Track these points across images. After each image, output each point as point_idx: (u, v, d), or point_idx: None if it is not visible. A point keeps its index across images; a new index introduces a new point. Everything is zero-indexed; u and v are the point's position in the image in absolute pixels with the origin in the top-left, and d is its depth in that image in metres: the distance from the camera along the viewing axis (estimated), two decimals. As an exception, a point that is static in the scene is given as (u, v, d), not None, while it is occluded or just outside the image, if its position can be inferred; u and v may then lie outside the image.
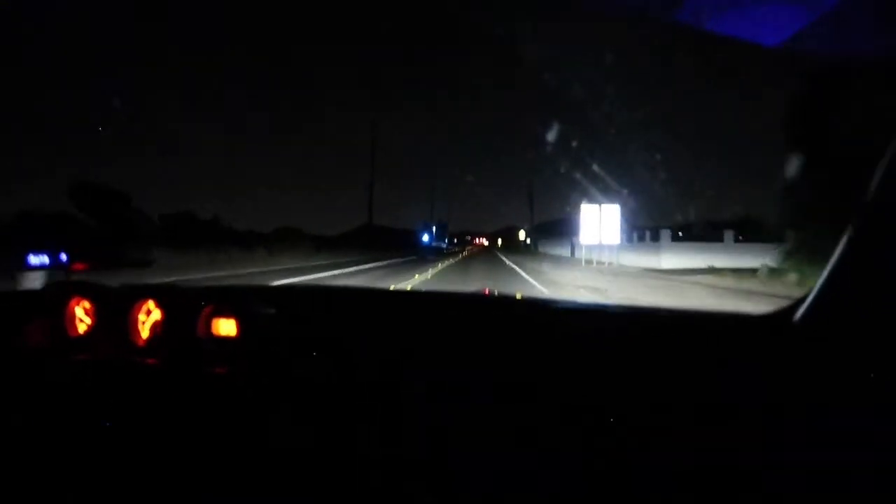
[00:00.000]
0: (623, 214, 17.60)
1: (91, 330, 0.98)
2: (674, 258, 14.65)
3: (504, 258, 22.58)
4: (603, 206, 17.72)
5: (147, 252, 1.37)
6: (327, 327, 0.97)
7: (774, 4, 0.56)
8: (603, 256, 17.51)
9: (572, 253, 25.49)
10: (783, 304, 0.73)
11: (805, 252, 9.78)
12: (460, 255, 26.09)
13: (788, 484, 0.55)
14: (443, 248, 46.23)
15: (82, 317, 1.00)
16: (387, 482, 0.64)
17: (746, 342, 0.75)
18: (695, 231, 18.74)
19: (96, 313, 0.99)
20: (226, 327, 0.91)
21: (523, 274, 12.69)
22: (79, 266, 1.20)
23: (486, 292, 1.82)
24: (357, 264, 15.37)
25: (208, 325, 0.91)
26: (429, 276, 11.30)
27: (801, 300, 0.67)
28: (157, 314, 0.96)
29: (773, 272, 10.53)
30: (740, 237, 16.09)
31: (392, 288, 1.76)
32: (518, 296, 1.31)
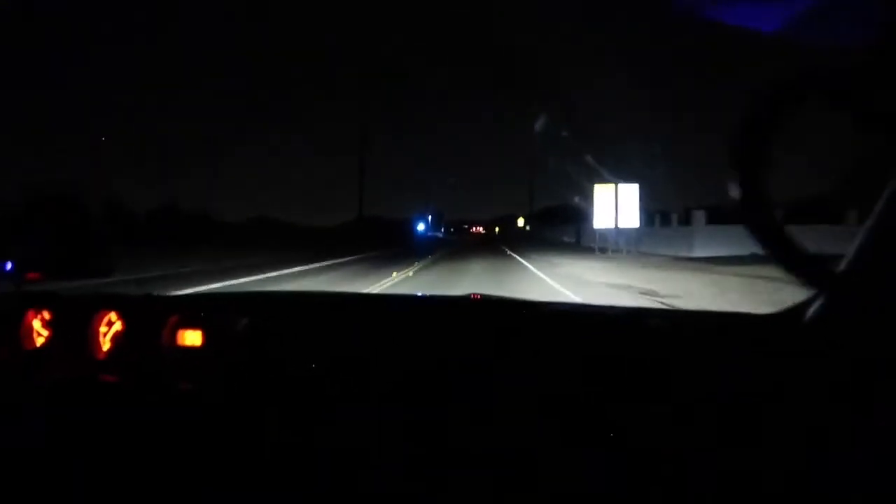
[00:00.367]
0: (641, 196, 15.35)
1: (48, 343, 0.99)
2: (709, 245, 12.44)
3: (505, 248, 20.14)
4: (620, 185, 15.42)
5: (106, 259, 1.16)
6: (296, 336, 0.95)
7: None
8: (615, 243, 15.31)
9: (578, 240, 23.52)
10: None
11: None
12: (456, 247, 23.68)
13: (796, 486, 0.56)
14: (439, 238, 45.31)
15: (39, 329, 1.00)
16: (346, 486, 0.65)
17: (754, 342, 0.73)
18: (723, 213, 16.54)
19: (54, 325, 0.98)
20: (191, 338, 0.91)
21: (532, 268, 10.41)
22: (32, 275, 1.12)
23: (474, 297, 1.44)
24: (302, 263, 11.52)
25: (173, 337, 0.92)
26: (405, 277, 9.10)
27: (813, 299, 0.62)
28: (118, 325, 0.96)
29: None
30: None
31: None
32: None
